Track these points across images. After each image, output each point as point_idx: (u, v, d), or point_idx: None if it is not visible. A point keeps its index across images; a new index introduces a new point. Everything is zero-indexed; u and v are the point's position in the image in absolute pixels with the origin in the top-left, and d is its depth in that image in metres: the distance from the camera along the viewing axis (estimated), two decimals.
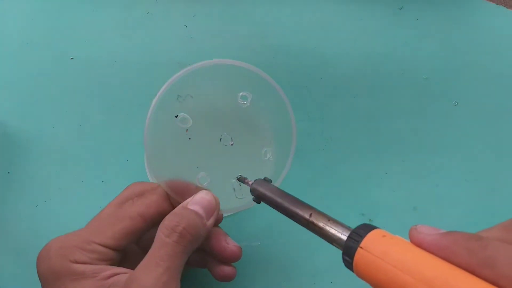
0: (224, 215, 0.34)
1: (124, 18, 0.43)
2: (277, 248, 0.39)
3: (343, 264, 0.24)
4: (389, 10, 0.45)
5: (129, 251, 0.31)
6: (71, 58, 0.42)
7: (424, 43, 0.45)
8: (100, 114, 0.41)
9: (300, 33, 0.44)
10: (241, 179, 0.32)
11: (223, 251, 0.31)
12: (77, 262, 0.27)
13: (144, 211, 0.30)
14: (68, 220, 0.38)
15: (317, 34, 0.44)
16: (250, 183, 0.31)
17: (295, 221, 0.27)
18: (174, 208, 0.30)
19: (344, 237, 0.23)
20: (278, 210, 0.28)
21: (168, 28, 0.43)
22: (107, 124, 0.40)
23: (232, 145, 0.33)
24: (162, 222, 0.29)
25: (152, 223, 0.30)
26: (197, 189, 0.32)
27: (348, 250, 0.22)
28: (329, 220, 0.25)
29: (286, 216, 0.28)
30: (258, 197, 0.30)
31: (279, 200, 0.28)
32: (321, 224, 0.25)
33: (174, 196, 0.31)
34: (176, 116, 0.32)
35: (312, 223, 0.26)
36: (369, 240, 0.22)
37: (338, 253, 0.24)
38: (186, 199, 0.31)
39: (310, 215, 0.26)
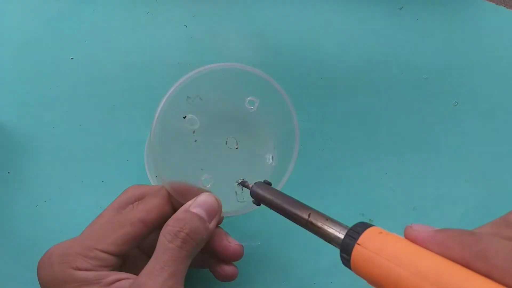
0: (225, 217, 0.34)
1: (124, 18, 0.43)
2: (277, 248, 0.39)
3: (343, 264, 0.24)
4: (389, 10, 0.45)
5: (130, 254, 0.31)
6: (71, 58, 0.42)
7: (424, 43, 0.45)
8: (100, 114, 0.41)
9: (300, 33, 0.44)
10: (243, 183, 0.33)
11: (226, 250, 0.31)
12: (79, 269, 0.27)
13: (145, 216, 0.30)
14: (68, 220, 0.38)
15: (317, 34, 0.44)
16: (250, 186, 0.31)
17: (294, 222, 0.27)
18: (175, 210, 0.30)
19: (342, 236, 0.24)
20: (277, 212, 0.29)
21: (168, 28, 0.43)
22: (107, 124, 0.40)
23: (237, 148, 0.34)
24: (164, 227, 0.29)
25: (154, 227, 0.30)
26: (199, 191, 0.32)
27: (346, 247, 0.23)
28: (327, 220, 0.25)
29: (286, 217, 0.28)
30: (258, 200, 0.31)
31: (278, 202, 0.29)
32: (319, 224, 0.26)
33: (177, 197, 0.31)
34: (184, 117, 0.32)
35: (311, 223, 0.26)
36: (366, 237, 0.22)
37: (338, 253, 0.24)
38: (188, 200, 0.31)
39: (309, 215, 0.26)
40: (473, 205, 0.41)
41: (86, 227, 0.31)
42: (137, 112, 0.41)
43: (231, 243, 0.32)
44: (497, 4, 0.46)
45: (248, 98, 0.33)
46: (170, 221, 0.29)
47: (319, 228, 0.25)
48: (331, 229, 0.25)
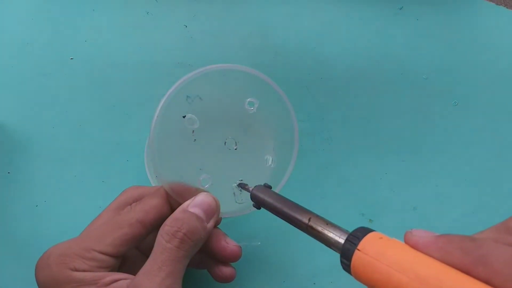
0: (223, 218, 0.34)
1: (124, 18, 0.43)
2: (277, 248, 0.39)
3: (340, 255, 0.24)
4: (389, 10, 0.45)
5: (129, 255, 0.31)
6: (71, 58, 0.42)
7: (424, 43, 0.45)
8: (100, 114, 0.41)
9: (300, 33, 0.44)
10: (242, 185, 0.32)
11: (223, 251, 0.31)
12: (77, 270, 0.27)
13: (143, 217, 0.30)
14: (68, 220, 0.38)
15: (317, 34, 0.44)
16: (250, 189, 0.31)
17: (294, 226, 0.27)
18: (173, 211, 0.30)
19: (342, 241, 0.24)
20: (277, 216, 0.29)
21: (168, 28, 0.43)
22: (107, 124, 0.40)
23: (236, 149, 0.34)
24: (162, 227, 0.29)
25: (152, 228, 0.30)
26: (198, 191, 0.32)
27: (346, 253, 0.23)
28: (327, 224, 0.25)
29: (286, 221, 0.28)
30: (258, 203, 0.30)
31: (278, 205, 0.29)
32: (319, 228, 0.26)
33: (175, 197, 0.31)
34: (184, 117, 0.32)
35: (311, 227, 0.26)
36: (366, 242, 0.22)
37: (338, 255, 0.24)
38: (187, 200, 0.30)
39: (309, 220, 0.26)
40: (473, 205, 0.41)
41: (85, 227, 0.31)
42: (137, 112, 0.41)
43: (229, 244, 0.31)
44: (497, 4, 0.46)
45: (248, 99, 0.33)
46: (168, 221, 0.29)
47: (319, 232, 0.25)
48: (331, 233, 0.25)
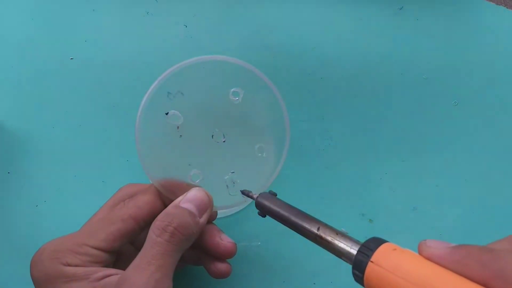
0: (223, 216, 0.34)
1: (124, 18, 0.43)
2: (277, 248, 0.39)
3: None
4: (389, 10, 0.45)
5: (124, 251, 0.31)
6: (71, 58, 0.42)
7: (424, 43, 0.45)
8: (100, 114, 0.41)
9: (300, 33, 0.44)
10: (245, 192, 0.32)
11: (217, 247, 0.31)
12: (69, 265, 0.28)
13: (135, 212, 0.30)
14: (68, 220, 0.38)
15: (317, 34, 0.44)
16: (255, 196, 0.31)
17: (302, 235, 0.27)
18: (166, 207, 0.30)
19: (354, 251, 0.23)
20: (284, 224, 0.28)
21: (168, 28, 0.43)
22: (107, 124, 0.40)
23: (224, 141, 0.33)
24: (153, 222, 0.29)
25: (145, 224, 0.30)
26: (189, 186, 0.31)
27: (359, 265, 0.22)
28: (337, 234, 0.25)
29: (293, 230, 0.28)
30: (263, 211, 0.30)
31: (285, 214, 0.28)
32: (329, 238, 0.25)
33: (166, 194, 0.31)
34: (167, 114, 0.31)
35: (320, 237, 0.25)
36: (380, 254, 0.22)
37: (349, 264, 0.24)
38: (178, 196, 0.30)
39: (318, 229, 0.26)
40: (473, 205, 0.41)
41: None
42: (136, 111, 0.41)
43: (223, 240, 0.31)
44: (497, 4, 0.46)
45: (232, 90, 0.33)
46: (159, 216, 0.29)
47: (329, 242, 0.25)
48: (342, 244, 0.24)
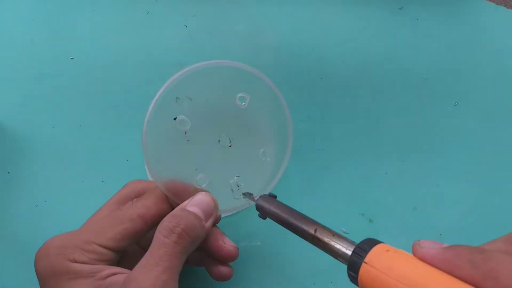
0: (223, 215, 0.34)
1: (124, 18, 0.43)
2: (277, 248, 0.39)
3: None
4: (389, 10, 0.45)
5: (128, 250, 0.32)
6: (71, 58, 0.42)
7: (424, 43, 0.45)
8: (100, 114, 0.41)
9: (300, 33, 0.44)
10: (246, 194, 0.32)
11: (220, 251, 0.31)
12: (76, 262, 0.28)
13: (144, 212, 0.30)
14: (68, 220, 0.38)
15: (317, 34, 0.44)
16: (256, 198, 0.31)
17: (300, 236, 0.27)
18: (173, 209, 0.31)
19: (349, 252, 0.24)
20: (283, 226, 0.29)
21: (168, 28, 0.43)
22: (107, 124, 0.40)
23: (230, 146, 0.33)
24: (160, 223, 0.29)
25: (152, 224, 0.30)
26: (196, 190, 0.32)
27: (353, 265, 0.23)
28: (333, 235, 0.25)
29: (292, 231, 0.28)
30: (264, 213, 0.30)
31: (284, 216, 0.29)
32: (326, 240, 0.25)
33: (173, 198, 0.31)
34: (175, 119, 0.31)
35: (317, 238, 0.26)
36: (373, 255, 0.22)
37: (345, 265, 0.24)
38: (185, 200, 0.31)
39: (315, 231, 0.26)
40: (473, 205, 0.41)
41: (86, 220, 0.31)
42: (137, 112, 0.41)
43: (226, 244, 0.32)
44: (497, 4, 0.46)
45: (239, 95, 0.33)
46: (166, 218, 0.29)
47: (325, 243, 0.25)
48: (338, 245, 0.25)
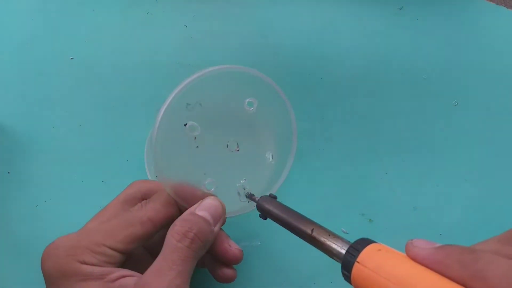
0: (228, 217, 0.34)
1: (124, 18, 0.43)
2: (277, 248, 0.39)
3: (341, 266, 0.24)
4: (389, 10, 0.45)
5: (134, 252, 0.32)
6: (71, 58, 0.42)
7: (424, 43, 0.45)
8: (100, 114, 0.41)
9: (300, 33, 0.44)
10: (249, 196, 0.33)
11: (226, 254, 0.32)
12: (85, 263, 0.28)
13: (154, 215, 0.30)
14: (68, 220, 0.38)
15: (317, 34, 0.44)
16: (257, 199, 0.32)
17: (298, 236, 0.28)
18: (181, 212, 0.31)
19: (343, 252, 0.24)
20: (282, 226, 0.29)
21: (168, 28, 0.43)
22: (107, 124, 0.40)
23: (238, 150, 0.34)
24: (172, 227, 0.29)
25: (161, 227, 0.31)
26: (204, 194, 0.32)
27: (346, 264, 0.23)
28: (329, 235, 0.26)
29: (290, 231, 0.29)
30: (264, 214, 0.31)
31: (283, 216, 0.29)
32: (322, 239, 0.26)
33: (181, 202, 0.31)
34: (185, 125, 0.32)
35: (314, 238, 0.27)
36: (365, 255, 0.23)
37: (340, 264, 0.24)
38: (193, 204, 0.31)
39: (312, 231, 0.27)
40: (473, 205, 0.41)
41: (91, 218, 0.31)
42: (137, 112, 0.41)
43: (231, 246, 0.32)
44: (497, 4, 0.46)
45: (247, 100, 0.33)
46: (177, 222, 0.29)
47: (321, 243, 0.26)
48: (333, 244, 0.25)
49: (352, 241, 0.25)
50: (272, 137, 0.35)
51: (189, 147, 0.32)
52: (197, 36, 0.43)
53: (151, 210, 0.30)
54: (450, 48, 0.45)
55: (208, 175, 0.33)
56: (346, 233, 0.39)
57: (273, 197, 0.32)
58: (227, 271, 0.32)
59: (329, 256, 0.25)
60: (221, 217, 0.31)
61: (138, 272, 0.29)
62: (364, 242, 0.23)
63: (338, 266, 0.24)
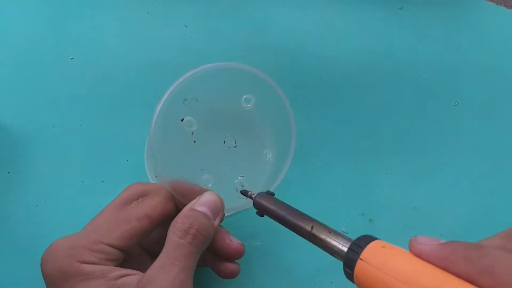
0: (226, 214, 0.34)
1: (124, 18, 0.43)
2: (277, 248, 0.39)
3: (343, 264, 0.24)
4: (389, 10, 0.45)
5: (131, 251, 0.32)
6: (71, 58, 0.42)
7: (424, 43, 0.45)
8: (100, 114, 0.41)
9: (300, 33, 0.44)
10: (244, 193, 0.33)
11: (228, 248, 0.32)
12: (85, 263, 0.27)
13: (150, 212, 0.30)
14: (68, 220, 0.38)
15: (317, 34, 0.44)
16: (253, 196, 0.31)
17: (297, 233, 0.28)
18: (178, 209, 0.31)
19: (345, 249, 0.24)
20: (280, 223, 0.29)
21: (168, 28, 0.43)
22: (107, 124, 0.40)
23: (235, 147, 0.34)
24: (173, 224, 0.29)
25: (158, 223, 0.31)
26: (201, 190, 0.32)
27: (349, 262, 0.23)
28: (330, 232, 0.25)
29: (289, 229, 0.28)
30: (261, 211, 0.31)
31: (281, 213, 0.29)
32: (322, 236, 0.25)
33: (179, 197, 0.31)
34: (182, 120, 0.32)
35: (314, 235, 0.26)
36: (369, 252, 0.22)
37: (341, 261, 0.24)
38: (191, 200, 0.31)
39: (312, 228, 0.26)
40: (473, 205, 0.41)
41: (89, 222, 0.31)
42: (137, 112, 0.41)
43: (232, 241, 0.32)
44: (497, 4, 0.46)
45: (244, 96, 0.33)
46: (178, 218, 0.29)
47: (322, 240, 0.25)
48: (334, 242, 0.25)
49: (351, 238, 0.24)
50: (270, 134, 0.35)
51: (186, 142, 0.32)
52: (197, 36, 0.43)
53: (148, 207, 0.30)
54: (450, 48, 0.45)
55: (205, 170, 0.33)
56: (346, 233, 0.39)
57: (270, 194, 0.31)
58: (231, 266, 0.32)
59: (329, 253, 0.25)
60: (220, 211, 0.31)
61: (139, 271, 0.29)
62: (367, 239, 0.23)
63: (338, 266, 0.24)
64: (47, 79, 0.41)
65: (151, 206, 0.30)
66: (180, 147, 0.33)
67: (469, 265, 0.19)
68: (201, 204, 0.30)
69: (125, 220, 0.30)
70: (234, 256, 0.32)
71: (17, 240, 0.37)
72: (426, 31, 0.45)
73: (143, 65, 0.42)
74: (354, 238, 0.25)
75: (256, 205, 0.31)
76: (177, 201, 0.31)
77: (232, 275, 0.32)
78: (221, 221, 0.33)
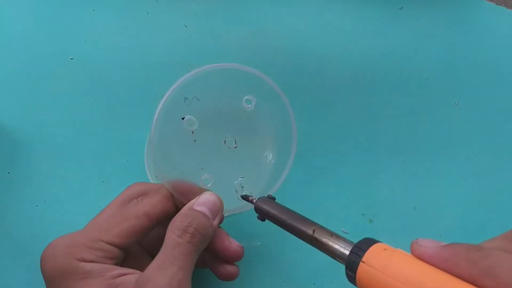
0: (226, 215, 0.34)
1: (124, 18, 0.43)
2: (277, 248, 0.39)
3: (343, 265, 0.24)
4: (389, 10, 0.45)
5: (131, 250, 0.32)
6: (71, 58, 0.42)
7: (424, 43, 0.45)
8: (100, 114, 0.41)
9: (300, 33, 0.44)
10: (245, 197, 0.33)
11: (227, 250, 0.32)
12: (84, 261, 0.27)
13: (149, 210, 0.30)
14: (68, 220, 0.38)
15: (317, 34, 0.44)
16: (254, 200, 0.31)
17: (299, 237, 0.28)
18: (177, 208, 0.31)
19: (347, 252, 0.24)
20: (282, 227, 0.29)
21: (168, 28, 0.43)
22: (107, 124, 0.40)
23: (235, 147, 0.34)
24: (172, 223, 0.29)
25: (157, 222, 0.31)
26: (201, 190, 0.32)
27: (351, 265, 0.23)
28: (332, 236, 0.25)
29: (290, 233, 0.28)
30: (262, 215, 0.31)
31: (282, 217, 0.29)
32: (324, 240, 0.26)
33: (178, 196, 0.31)
34: (183, 118, 0.32)
35: (315, 239, 0.26)
36: (371, 254, 0.22)
37: (343, 264, 0.24)
38: (190, 199, 0.31)
39: (313, 231, 0.26)
40: (473, 205, 0.41)
41: (89, 221, 0.31)
42: (137, 112, 0.41)
43: (232, 244, 0.32)
44: (497, 4, 0.46)
45: (245, 97, 0.33)
46: (177, 217, 0.29)
47: (324, 244, 0.25)
48: (336, 245, 0.25)
49: (354, 241, 0.24)
50: (271, 136, 0.35)
51: (186, 141, 0.32)
52: (197, 36, 0.43)
53: (147, 205, 0.30)
54: (450, 48, 0.45)
55: (205, 170, 0.33)
56: (346, 233, 0.39)
57: (271, 198, 0.31)
58: (230, 268, 0.32)
59: (331, 257, 0.25)
60: (219, 211, 0.31)
61: (138, 270, 0.29)
62: (368, 242, 0.23)
63: (338, 266, 0.24)
64: (47, 79, 0.41)
65: (150, 204, 0.30)
66: (180, 146, 0.33)
67: (471, 266, 0.19)
68: (200, 204, 0.30)
69: (124, 218, 0.30)
70: (233, 258, 0.32)
71: (17, 240, 0.37)
72: (426, 31, 0.45)
73: (143, 65, 0.42)
74: (354, 238, 0.25)
75: (257, 209, 0.31)
76: (177, 201, 0.31)
77: (231, 277, 0.32)
78: (220, 222, 0.33)
